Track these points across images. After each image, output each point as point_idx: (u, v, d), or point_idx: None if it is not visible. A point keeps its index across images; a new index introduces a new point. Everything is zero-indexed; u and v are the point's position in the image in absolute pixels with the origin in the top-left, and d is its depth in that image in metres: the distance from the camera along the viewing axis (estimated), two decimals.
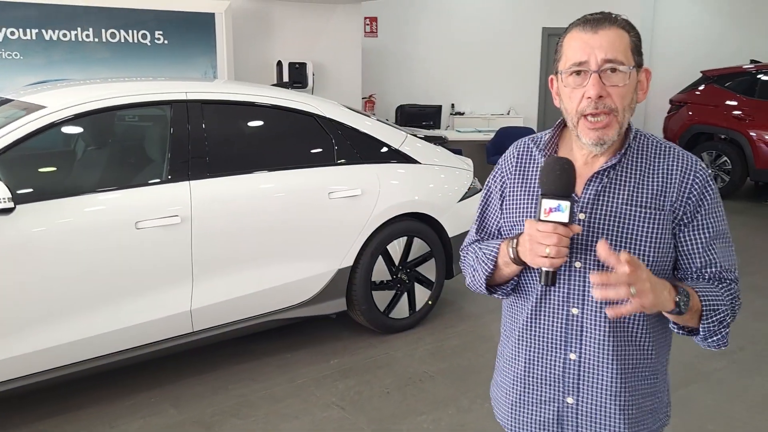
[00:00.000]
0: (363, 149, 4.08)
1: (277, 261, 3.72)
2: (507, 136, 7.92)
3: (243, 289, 3.61)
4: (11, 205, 2.78)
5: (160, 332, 3.40)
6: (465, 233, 4.04)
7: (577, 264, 1.44)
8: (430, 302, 4.39)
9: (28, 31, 5.32)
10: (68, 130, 3.31)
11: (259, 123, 3.89)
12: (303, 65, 7.11)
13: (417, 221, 4.24)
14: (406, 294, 4.26)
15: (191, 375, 3.72)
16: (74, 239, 3.07)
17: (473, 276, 1.59)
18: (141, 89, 3.49)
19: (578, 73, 1.39)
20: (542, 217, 1.33)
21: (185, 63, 6.11)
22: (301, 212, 3.76)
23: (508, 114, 10.92)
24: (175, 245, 3.34)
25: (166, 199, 3.32)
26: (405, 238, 4.18)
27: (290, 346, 4.10)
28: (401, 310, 4.25)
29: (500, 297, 1.61)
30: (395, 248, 4.14)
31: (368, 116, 4.42)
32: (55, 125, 3.14)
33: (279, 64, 7.07)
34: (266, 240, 3.65)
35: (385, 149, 4.19)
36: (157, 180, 3.38)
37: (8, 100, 3.53)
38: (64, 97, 3.29)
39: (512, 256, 1.44)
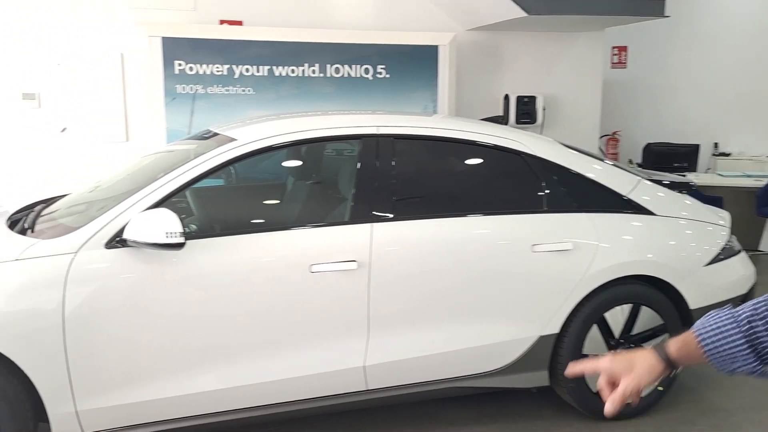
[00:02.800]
0: (580, 195, 3.41)
1: (467, 321, 3.20)
2: None
3: (426, 348, 3.15)
4: (182, 240, 2.67)
5: (330, 387, 3.08)
6: (712, 306, 3.16)
7: None
8: (660, 388, 3.51)
9: (260, 68, 5.54)
10: (251, 164, 3.18)
11: (455, 161, 3.45)
12: (532, 99, 6.55)
13: (648, 286, 3.42)
14: None
15: None
16: (245, 279, 2.88)
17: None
18: (331, 123, 3.26)
19: None
20: None
21: (406, 97, 5.92)
22: (497, 266, 3.20)
23: None
24: (350, 293, 3.01)
25: (344, 241, 3.02)
26: (630, 305, 3.39)
27: (481, 417, 3.53)
28: None
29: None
30: (616, 317, 3.37)
31: (597, 158, 3.72)
32: (240, 159, 3.02)
33: (506, 98, 6.59)
34: (455, 296, 3.16)
35: (610, 196, 3.46)
36: (337, 220, 3.10)
37: (215, 134, 3.53)
38: (255, 130, 3.17)
39: None
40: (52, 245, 2.71)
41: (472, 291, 3.18)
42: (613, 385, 1.36)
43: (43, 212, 3.30)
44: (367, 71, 5.82)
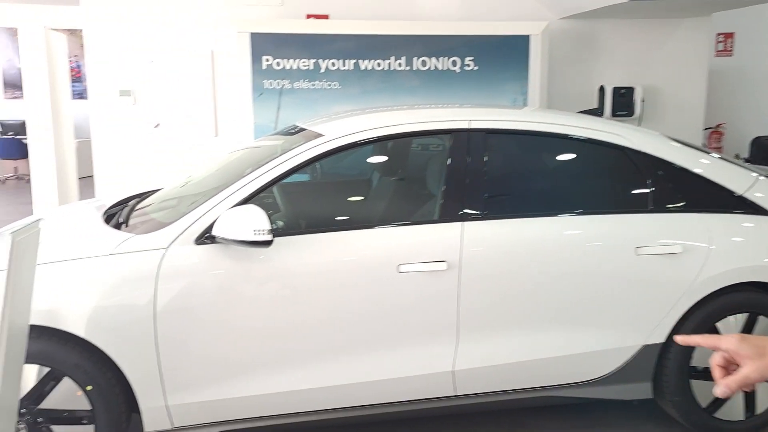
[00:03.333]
0: (690, 194, 3.14)
1: (562, 327, 3.01)
2: None
3: (518, 355, 2.99)
4: (269, 237, 2.62)
5: (418, 391, 2.97)
6: None
7: None
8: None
9: (346, 62, 5.48)
10: (337, 160, 3.11)
11: (552, 157, 3.25)
12: (630, 90, 6.19)
13: (766, 294, 3.13)
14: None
15: None
16: (332, 278, 2.81)
17: None
18: (420, 118, 3.14)
19: None
20: None
21: (494, 90, 5.72)
22: (598, 270, 3.00)
23: None
24: (439, 295, 2.89)
25: (433, 241, 2.90)
26: (745, 315, 3.10)
27: (574, 429, 3.34)
28: (733, 410, 3.16)
29: None
30: (729, 327, 3.09)
31: (707, 152, 3.43)
32: (327, 155, 2.95)
33: (601, 89, 6.26)
34: (549, 300, 2.98)
35: (723, 195, 3.18)
36: (426, 219, 2.98)
37: (302, 129, 3.49)
38: (343, 126, 3.09)
39: None
40: (144, 240, 2.73)
41: (568, 296, 2.99)
42: (727, 369, 1.20)
43: (137, 207, 3.35)
44: (454, 64, 5.66)
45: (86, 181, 7.42)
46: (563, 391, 3.10)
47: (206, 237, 2.72)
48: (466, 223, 2.92)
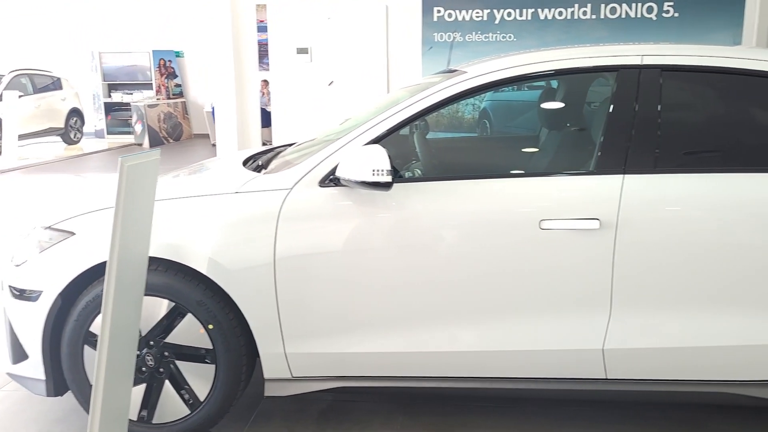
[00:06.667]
0: None
1: (745, 308, 2.43)
2: None
3: (685, 338, 2.47)
4: (389, 179, 2.38)
5: (559, 368, 2.58)
6: None
7: None
8: None
9: (523, 11, 5.04)
10: (473, 101, 2.76)
11: (745, 101, 2.62)
12: None
13: None
14: None
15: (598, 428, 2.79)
16: (463, 232, 2.51)
17: None
18: (577, 53, 2.69)
19: None
20: None
21: (699, 40, 4.91)
22: None
23: None
24: (589, 258, 2.46)
25: (584, 195, 2.47)
26: None
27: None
28: None
29: None
30: None
31: None
32: (466, 95, 2.63)
33: None
34: (729, 274, 2.41)
35: None
36: (579, 170, 2.56)
37: (453, 71, 3.19)
38: (488, 64, 2.75)
39: None
40: (268, 180, 2.64)
41: (756, 270, 2.40)
42: None
43: (283, 152, 3.30)
44: (650, 10, 4.95)
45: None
46: (750, 390, 2.52)
47: (331, 179, 2.56)
48: (628, 177, 2.45)
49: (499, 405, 2.96)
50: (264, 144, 7.14)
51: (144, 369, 2.62)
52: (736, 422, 2.82)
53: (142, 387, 2.64)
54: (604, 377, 2.56)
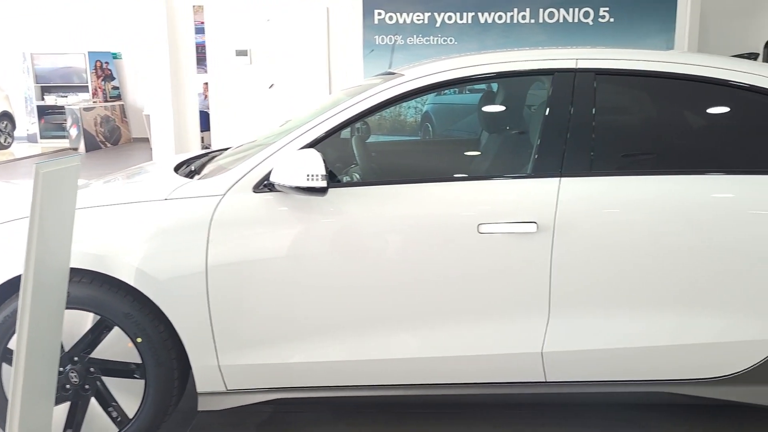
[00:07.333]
0: None
1: (679, 309, 2.46)
2: None
3: (624, 339, 2.49)
4: (323, 184, 2.32)
5: (498, 373, 2.56)
6: None
7: None
8: None
9: (464, 14, 5.06)
10: (414, 104, 2.73)
11: (678, 104, 2.67)
12: None
13: None
14: None
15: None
16: (400, 236, 2.47)
17: None
18: (515, 57, 2.69)
19: None
20: None
21: (634, 45, 5.04)
22: (726, 240, 2.42)
23: None
24: (527, 262, 2.45)
25: (521, 198, 2.46)
26: None
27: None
28: None
29: None
30: None
31: None
32: (403, 98, 2.59)
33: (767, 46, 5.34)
34: (664, 275, 2.44)
35: None
36: (515, 173, 2.55)
37: (392, 73, 3.15)
38: (426, 67, 2.72)
39: None
40: (200, 186, 2.54)
41: (689, 271, 2.43)
42: None
43: (217, 156, 3.19)
44: (587, 15, 5.04)
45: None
46: (684, 389, 2.55)
47: (265, 184, 2.48)
48: (564, 180, 2.45)
49: (440, 411, 2.93)
50: (205, 148, 7.00)
51: (68, 386, 2.48)
52: (673, 421, 2.86)
53: (67, 405, 2.50)
54: (544, 380, 2.56)
